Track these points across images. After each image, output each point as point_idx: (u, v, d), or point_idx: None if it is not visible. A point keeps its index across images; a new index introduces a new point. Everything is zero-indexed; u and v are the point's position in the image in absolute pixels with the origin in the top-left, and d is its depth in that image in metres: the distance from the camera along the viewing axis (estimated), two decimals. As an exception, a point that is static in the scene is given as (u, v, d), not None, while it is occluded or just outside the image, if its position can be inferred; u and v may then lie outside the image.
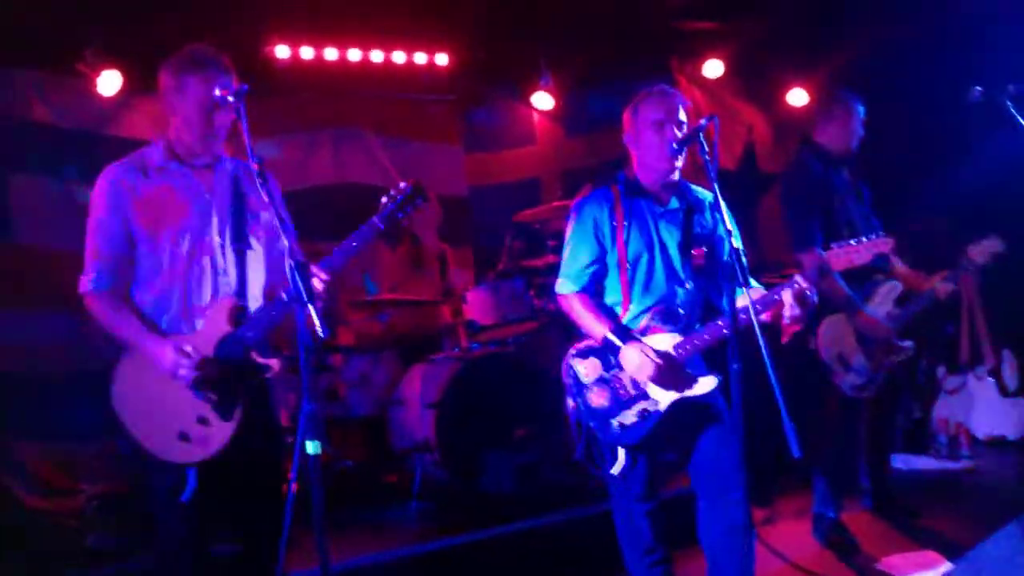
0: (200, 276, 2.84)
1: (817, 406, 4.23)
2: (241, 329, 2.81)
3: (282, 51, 5.81)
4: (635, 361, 3.09)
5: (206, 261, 2.85)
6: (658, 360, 3.07)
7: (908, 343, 4.13)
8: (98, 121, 5.35)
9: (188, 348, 2.73)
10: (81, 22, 5.03)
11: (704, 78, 6.75)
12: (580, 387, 3.20)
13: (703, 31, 6.49)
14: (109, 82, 5.27)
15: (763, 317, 3.01)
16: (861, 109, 4.35)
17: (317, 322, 2.33)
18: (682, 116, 3.18)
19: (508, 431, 4.69)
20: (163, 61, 2.87)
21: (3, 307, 5.07)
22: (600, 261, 3.25)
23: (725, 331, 2.93)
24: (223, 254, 2.87)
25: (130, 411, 2.76)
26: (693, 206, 3.28)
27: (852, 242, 2.92)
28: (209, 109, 2.79)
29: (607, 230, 3.22)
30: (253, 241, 2.94)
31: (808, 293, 2.94)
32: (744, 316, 2.75)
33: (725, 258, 3.13)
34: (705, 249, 3.24)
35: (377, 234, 2.84)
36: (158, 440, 2.75)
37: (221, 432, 2.76)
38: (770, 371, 2.59)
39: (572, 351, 3.25)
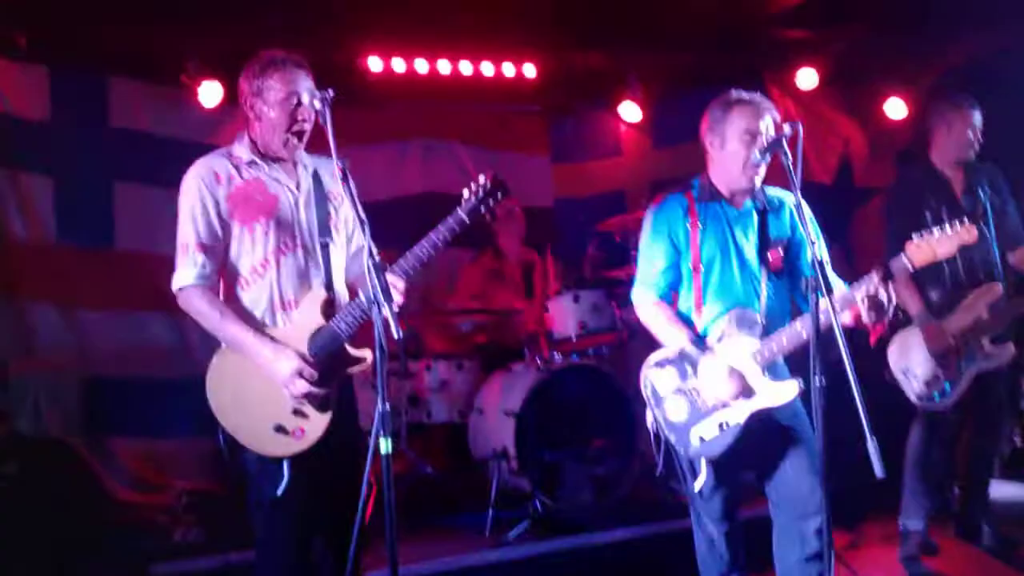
0: (293, 268, 2.88)
1: (903, 417, 4.10)
2: (334, 321, 2.85)
3: (375, 63, 5.94)
4: (713, 377, 3.03)
5: (298, 253, 2.90)
6: (736, 375, 3.00)
7: (1003, 348, 3.95)
8: (198, 131, 5.55)
9: (306, 367, 2.76)
10: (183, 35, 5.25)
11: (797, 88, 6.60)
12: (658, 399, 3.14)
13: (796, 40, 6.36)
14: (210, 93, 5.48)
15: (845, 319, 2.92)
16: (975, 115, 4.15)
17: (393, 323, 2.35)
18: (771, 128, 3.11)
19: (587, 442, 4.67)
20: (245, 67, 2.92)
21: (105, 310, 5.30)
22: (675, 266, 3.20)
23: (805, 334, 2.84)
24: (312, 246, 2.92)
25: (227, 405, 2.79)
26: (768, 207, 3.20)
27: (934, 231, 2.82)
28: (291, 108, 2.86)
29: (681, 233, 3.18)
30: (334, 234, 2.99)
31: (882, 290, 2.83)
32: (825, 317, 2.67)
33: (807, 262, 3.05)
34: (781, 251, 3.16)
35: (462, 226, 2.86)
36: (255, 433, 2.78)
37: (317, 424, 2.80)
38: (852, 379, 2.49)
39: (649, 362, 3.20)
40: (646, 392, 3.17)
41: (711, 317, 3.14)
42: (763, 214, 3.19)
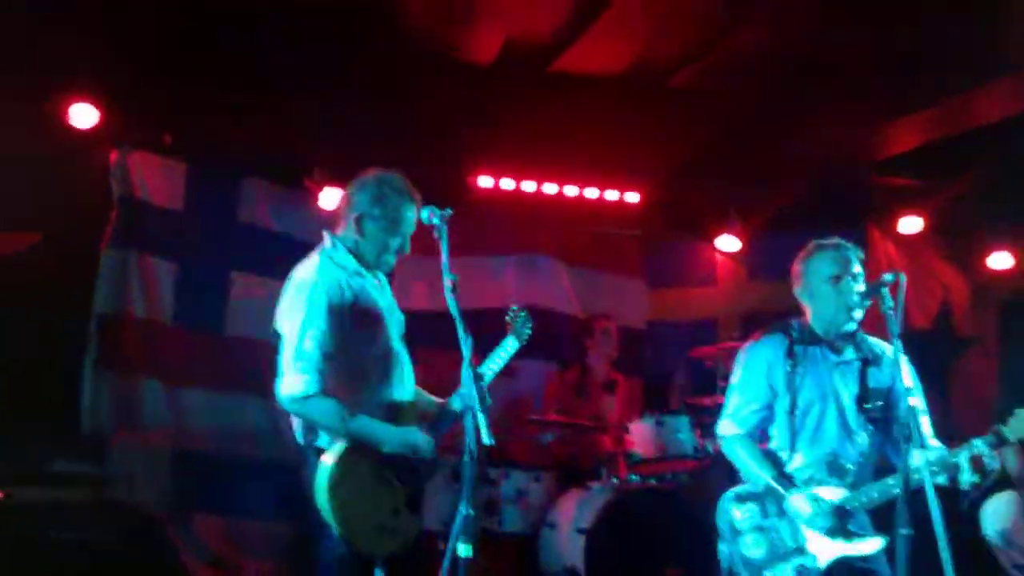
0: (398, 371, 3.06)
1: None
2: (428, 427, 3.04)
3: (485, 180, 6.24)
4: (806, 509, 3.01)
5: (401, 358, 3.08)
6: (830, 510, 2.98)
7: None
8: (315, 231, 5.86)
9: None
10: (311, 143, 5.65)
11: (899, 234, 6.60)
12: (734, 534, 3.15)
13: (901, 187, 6.40)
14: (331, 198, 5.79)
15: (940, 480, 2.91)
16: None
17: (485, 430, 2.46)
18: (856, 268, 3.17)
19: (659, 569, 4.58)
20: (362, 181, 3.07)
21: (206, 389, 5.55)
22: (769, 406, 3.23)
23: (896, 491, 2.83)
24: (405, 351, 3.12)
25: (341, 506, 2.82)
26: (870, 358, 3.22)
27: None
28: (401, 238, 3.05)
29: (780, 374, 3.21)
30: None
31: (987, 459, 2.82)
32: (918, 476, 2.67)
33: (902, 415, 3.04)
34: (881, 403, 3.16)
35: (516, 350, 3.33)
36: (361, 532, 2.86)
37: (411, 524, 2.95)
38: (941, 538, 2.47)
39: (730, 494, 3.21)
40: (723, 525, 3.18)
41: (802, 461, 3.16)
42: (864, 363, 3.21)
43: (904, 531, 2.65)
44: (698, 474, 5.16)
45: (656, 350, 6.40)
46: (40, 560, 4.57)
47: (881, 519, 3.00)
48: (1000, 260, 6.51)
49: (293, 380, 2.85)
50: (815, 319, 3.26)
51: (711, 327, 6.73)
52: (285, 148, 5.64)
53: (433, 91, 5.43)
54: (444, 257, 2.71)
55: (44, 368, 5.04)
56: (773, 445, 3.23)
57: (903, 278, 2.84)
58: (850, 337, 3.22)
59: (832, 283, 3.16)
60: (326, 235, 3.10)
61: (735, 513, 3.16)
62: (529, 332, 3.43)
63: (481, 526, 5.19)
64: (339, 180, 5.78)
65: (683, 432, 5.00)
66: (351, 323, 2.92)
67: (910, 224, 6.50)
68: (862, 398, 3.16)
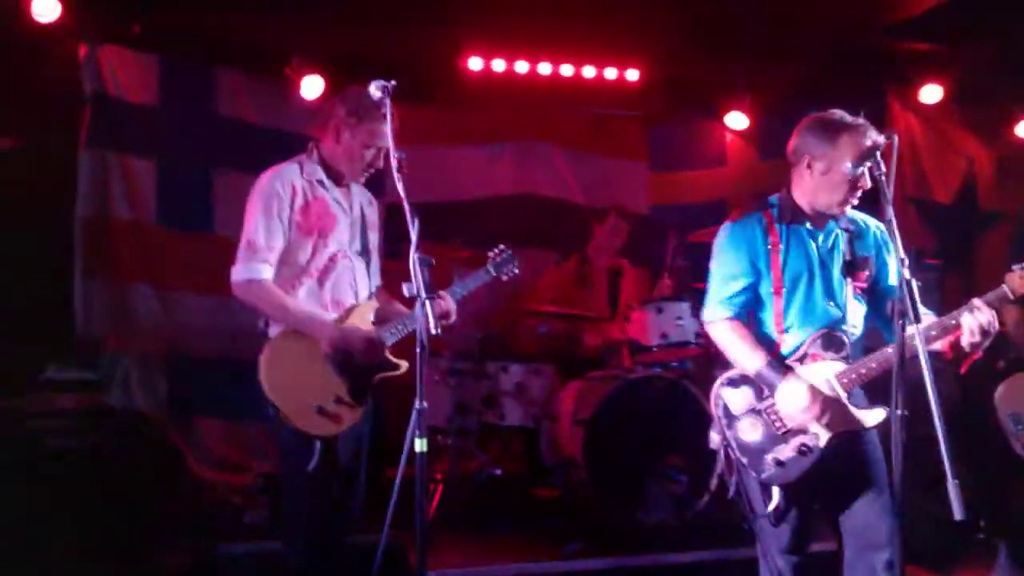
0: (346, 277, 3.23)
1: (999, 467, 3.79)
2: (381, 330, 3.21)
3: (475, 63, 5.93)
4: (798, 400, 2.85)
5: (351, 265, 3.25)
6: (819, 398, 2.84)
7: None
8: (298, 122, 5.64)
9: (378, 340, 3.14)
10: (289, 30, 5.36)
11: (921, 104, 6.23)
12: (730, 419, 2.99)
13: (922, 53, 6.01)
14: (312, 86, 5.57)
15: (940, 346, 2.81)
16: None
17: (432, 319, 2.35)
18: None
19: (660, 458, 4.49)
20: (347, 92, 3.21)
21: (199, 293, 5.43)
22: (753, 288, 3.04)
23: (894, 360, 2.65)
24: (360, 261, 3.29)
25: (278, 383, 3.03)
26: (852, 229, 3.03)
27: None
28: (371, 154, 3.18)
29: (761, 255, 3.02)
30: (374, 255, 3.39)
31: (989, 316, 2.68)
32: (914, 344, 2.50)
33: (890, 284, 2.90)
34: (867, 273, 3.00)
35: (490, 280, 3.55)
36: (297, 411, 3.03)
37: (352, 413, 3.11)
38: (936, 412, 2.34)
39: (722, 379, 3.04)
40: (717, 411, 3.03)
41: (796, 340, 2.99)
42: (848, 235, 3.02)
43: (899, 412, 2.50)
44: (700, 360, 5.01)
45: (659, 235, 6.16)
46: (40, 468, 4.59)
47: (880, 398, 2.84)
48: (1027, 129, 6.16)
49: (241, 266, 3.12)
50: (808, 193, 3.03)
51: (721, 209, 6.46)
52: (261, 36, 5.35)
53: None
54: (388, 132, 2.67)
55: (36, 276, 4.93)
56: (763, 327, 3.05)
57: (895, 139, 2.63)
58: (837, 213, 3.02)
59: (859, 162, 2.89)
60: (311, 144, 3.27)
61: (728, 398, 3.00)
62: (507, 276, 3.61)
63: (483, 420, 5.14)
64: (319, 68, 5.53)
65: (684, 318, 4.82)
66: (297, 227, 3.13)
67: (931, 93, 6.14)
68: (848, 269, 2.99)
